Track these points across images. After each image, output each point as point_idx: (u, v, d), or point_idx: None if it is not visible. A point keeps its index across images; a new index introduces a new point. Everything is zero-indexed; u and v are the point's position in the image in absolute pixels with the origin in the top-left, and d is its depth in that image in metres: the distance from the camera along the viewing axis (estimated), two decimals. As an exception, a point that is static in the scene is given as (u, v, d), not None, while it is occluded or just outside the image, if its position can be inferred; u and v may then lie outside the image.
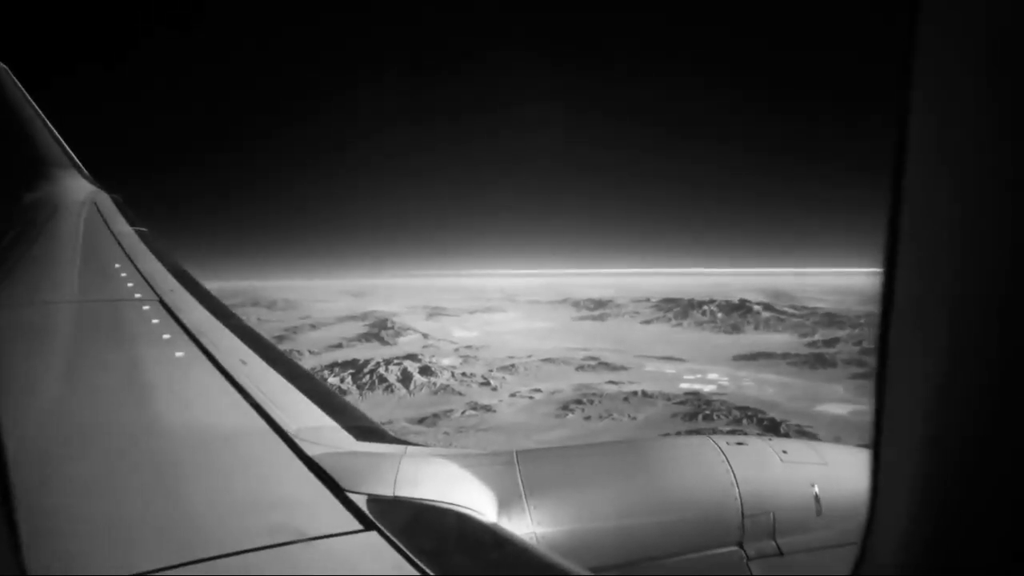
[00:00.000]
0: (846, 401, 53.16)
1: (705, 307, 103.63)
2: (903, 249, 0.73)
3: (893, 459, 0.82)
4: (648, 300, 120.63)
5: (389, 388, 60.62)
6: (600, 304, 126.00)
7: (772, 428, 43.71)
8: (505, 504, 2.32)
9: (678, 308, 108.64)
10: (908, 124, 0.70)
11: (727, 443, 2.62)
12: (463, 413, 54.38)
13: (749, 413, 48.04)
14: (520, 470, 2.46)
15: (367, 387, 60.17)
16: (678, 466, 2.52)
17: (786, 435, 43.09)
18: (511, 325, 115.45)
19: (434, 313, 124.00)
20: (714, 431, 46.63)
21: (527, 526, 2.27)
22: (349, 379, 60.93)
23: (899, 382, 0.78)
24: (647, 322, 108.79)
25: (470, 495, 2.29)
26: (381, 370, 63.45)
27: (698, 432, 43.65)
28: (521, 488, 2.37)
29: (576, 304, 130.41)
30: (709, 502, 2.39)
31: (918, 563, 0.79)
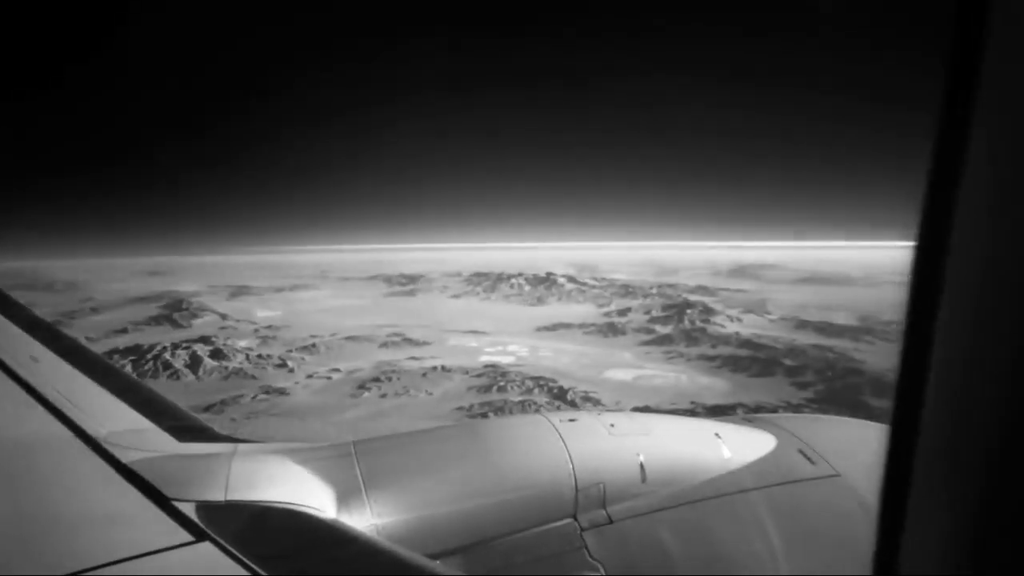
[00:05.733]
0: (631, 367, 57.07)
1: (513, 280, 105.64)
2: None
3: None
4: (460, 274, 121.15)
5: (175, 374, 55.42)
6: (412, 279, 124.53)
7: (560, 395, 44.99)
8: (344, 498, 2.26)
9: (488, 282, 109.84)
10: (970, 125, 0.65)
11: (560, 420, 2.67)
12: (254, 398, 51.14)
13: (541, 382, 49.21)
14: (358, 461, 2.41)
15: (149, 374, 54.67)
16: (514, 446, 2.56)
17: (572, 401, 45.58)
18: (319, 303, 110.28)
19: (238, 292, 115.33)
20: (505, 402, 49.09)
21: (367, 518, 2.22)
22: (129, 367, 54.84)
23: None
24: (456, 296, 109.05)
25: (308, 492, 2.22)
26: (167, 355, 57.94)
27: (489, 403, 45.03)
28: (360, 480, 2.33)
29: (388, 280, 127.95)
30: (545, 479, 2.44)
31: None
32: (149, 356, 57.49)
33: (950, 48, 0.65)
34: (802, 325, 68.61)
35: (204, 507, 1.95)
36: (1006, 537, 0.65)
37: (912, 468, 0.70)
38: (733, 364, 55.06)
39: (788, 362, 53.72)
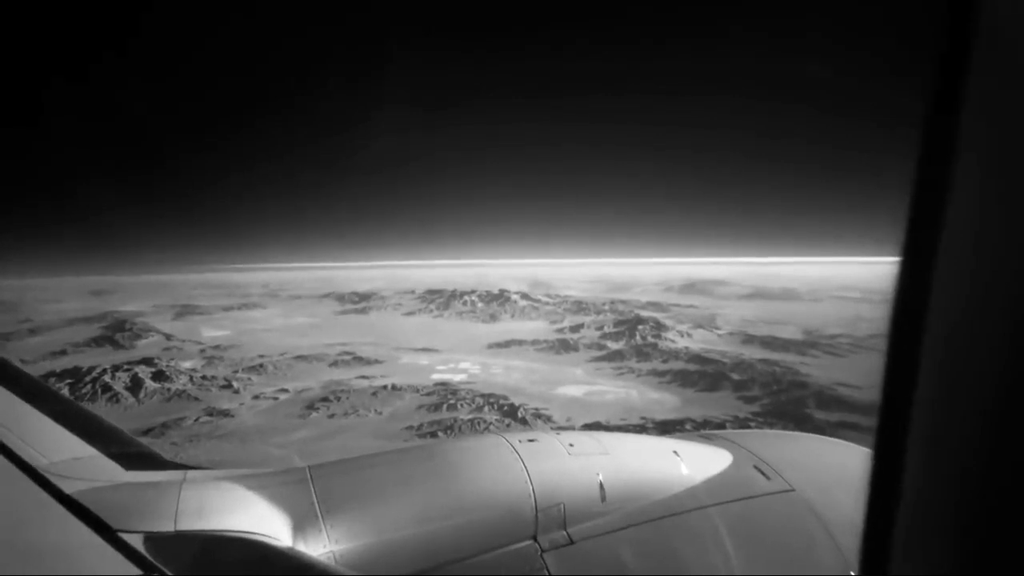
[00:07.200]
0: (582, 383, 57.32)
1: (467, 297, 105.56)
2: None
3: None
4: (413, 292, 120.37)
5: (115, 397, 53.39)
6: (364, 297, 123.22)
7: (511, 413, 44.79)
8: (300, 524, 2.21)
9: (441, 299, 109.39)
10: (959, 127, 0.64)
11: (519, 441, 2.66)
12: (197, 420, 49.62)
13: (492, 400, 49.14)
14: (314, 486, 2.36)
15: (87, 398, 52.70)
16: (473, 467, 2.53)
17: (523, 419, 45.10)
18: (269, 322, 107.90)
19: (184, 312, 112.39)
20: (455, 420, 48.45)
21: (324, 545, 2.18)
22: (67, 390, 52.68)
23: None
24: (410, 314, 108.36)
25: (261, 519, 2.17)
26: (106, 378, 55.87)
27: (439, 422, 44.46)
28: (316, 506, 2.27)
29: (340, 298, 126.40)
30: (504, 500, 2.43)
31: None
32: (87, 379, 55.39)
33: (935, 55, 0.64)
34: (749, 340, 70.25)
35: (152, 538, 1.90)
36: (996, 539, 0.64)
37: (903, 468, 0.69)
38: (682, 379, 55.78)
39: (736, 376, 54.72)
